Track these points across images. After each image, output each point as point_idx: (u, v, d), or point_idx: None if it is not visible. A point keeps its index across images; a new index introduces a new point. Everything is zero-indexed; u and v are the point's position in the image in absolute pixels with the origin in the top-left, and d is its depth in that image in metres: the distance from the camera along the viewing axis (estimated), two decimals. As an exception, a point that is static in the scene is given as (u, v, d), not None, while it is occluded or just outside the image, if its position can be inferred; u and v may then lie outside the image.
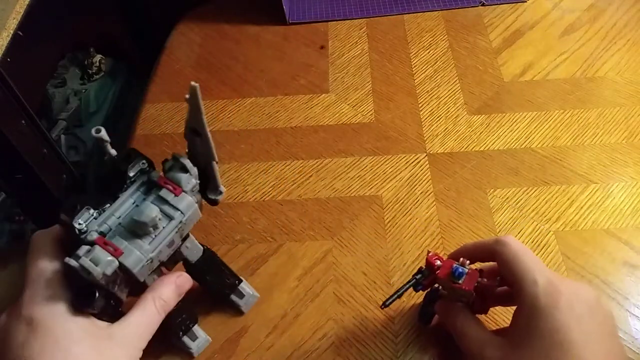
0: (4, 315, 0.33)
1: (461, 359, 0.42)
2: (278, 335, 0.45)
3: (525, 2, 0.74)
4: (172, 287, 0.37)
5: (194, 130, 0.34)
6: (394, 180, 0.55)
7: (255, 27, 0.75)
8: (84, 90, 0.88)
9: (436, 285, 0.41)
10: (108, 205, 0.34)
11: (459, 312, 0.39)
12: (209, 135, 0.34)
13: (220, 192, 0.38)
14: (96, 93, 0.89)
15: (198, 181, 0.36)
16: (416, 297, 0.46)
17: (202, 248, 0.42)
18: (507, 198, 0.52)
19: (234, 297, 0.45)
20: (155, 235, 0.34)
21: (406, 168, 0.56)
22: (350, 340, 0.44)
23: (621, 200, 0.51)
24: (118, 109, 0.92)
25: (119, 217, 0.34)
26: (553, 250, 0.48)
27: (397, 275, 0.48)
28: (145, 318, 0.35)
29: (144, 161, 0.36)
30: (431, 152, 0.57)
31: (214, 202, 0.38)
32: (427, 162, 0.56)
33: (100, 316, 0.34)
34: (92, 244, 0.32)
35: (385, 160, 0.57)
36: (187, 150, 0.36)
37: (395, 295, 0.40)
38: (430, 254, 0.39)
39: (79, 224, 0.33)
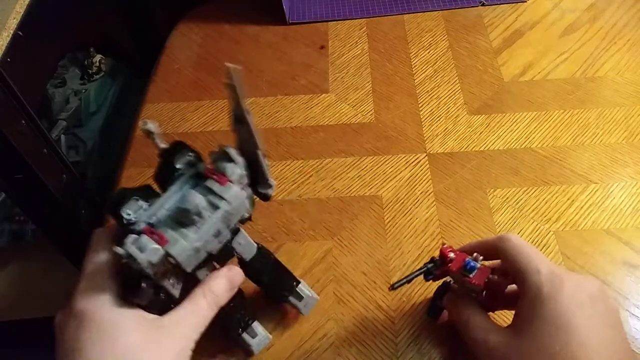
0: (59, 312, 0.34)
1: (461, 358, 0.42)
2: (278, 335, 0.45)
3: (525, 2, 0.74)
4: (223, 281, 0.36)
5: (238, 119, 0.33)
6: (394, 180, 0.55)
7: (255, 27, 0.75)
8: (84, 90, 0.88)
9: (447, 279, 0.41)
10: (157, 197, 0.34)
11: (467, 303, 0.39)
12: (251, 121, 0.33)
13: (270, 185, 0.37)
14: (96, 93, 0.89)
15: (245, 172, 0.35)
16: (416, 297, 0.46)
17: (255, 245, 0.41)
18: (507, 198, 0.52)
19: (292, 299, 0.44)
20: (201, 225, 0.33)
21: (406, 168, 0.56)
22: (350, 340, 0.44)
23: (621, 200, 0.51)
24: (118, 109, 0.92)
25: (167, 208, 0.34)
26: (553, 250, 0.48)
27: (397, 275, 0.48)
28: (194, 310, 0.35)
29: (190, 153, 0.36)
30: (431, 152, 0.57)
31: (266, 197, 0.38)
32: (427, 162, 0.56)
33: (150, 310, 0.34)
34: (139, 233, 0.32)
35: (385, 160, 0.57)
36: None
37: (405, 280, 0.40)
38: (444, 246, 0.39)
39: (127, 214, 0.33)
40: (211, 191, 0.34)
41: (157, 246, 0.32)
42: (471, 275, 0.37)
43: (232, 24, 0.76)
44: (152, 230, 0.33)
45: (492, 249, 0.38)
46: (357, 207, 0.53)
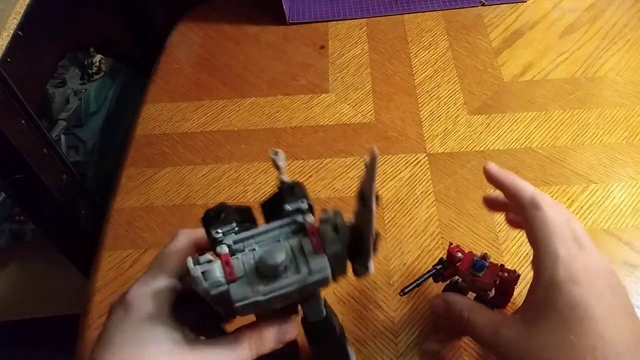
0: (119, 294, 0.33)
1: (461, 358, 0.42)
2: (278, 335, 0.45)
3: (525, 2, 0.74)
4: (274, 331, 0.34)
5: (363, 199, 0.31)
6: (394, 180, 0.55)
7: (255, 27, 0.75)
8: (84, 90, 0.88)
9: (456, 277, 0.41)
10: (255, 226, 0.32)
11: (460, 302, 0.37)
12: (374, 207, 0.30)
13: (366, 269, 0.33)
14: (96, 93, 0.89)
15: (344, 251, 0.32)
16: (417, 296, 0.46)
17: (324, 311, 0.37)
18: (507, 198, 0.52)
19: None
20: (275, 281, 0.31)
21: (406, 168, 0.56)
22: (350, 340, 0.44)
23: (621, 200, 0.51)
24: (118, 109, 0.92)
25: (257, 242, 0.32)
26: (553, 250, 0.48)
27: (397, 275, 0.48)
28: (235, 348, 0.33)
29: (304, 200, 0.33)
30: (431, 152, 0.57)
31: (357, 274, 0.34)
32: (427, 162, 0.56)
33: (196, 328, 0.33)
34: (217, 255, 0.31)
35: (385, 160, 0.57)
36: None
37: (415, 284, 0.40)
38: (452, 246, 0.39)
39: (217, 232, 0.31)
40: (302, 252, 0.31)
41: (222, 279, 0.30)
42: (481, 274, 0.37)
43: (232, 24, 0.76)
44: (228, 259, 0.30)
45: (521, 206, 0.36)
46: (357, 207, 0.53)
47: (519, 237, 0.49)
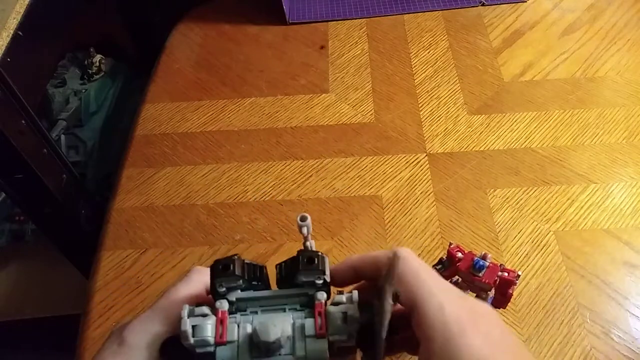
0: (120, 323, 0.32)
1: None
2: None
3: (525, 2, 0.74)
4: None
5: (379, 293, 0.28)
6: (394, 180, 0.55)
7: (255, 27, 0.75)
8: (84, 90, 0.88)
9: (456, 277, 0.41)
10: (262, 287, 0.31)
11: None
12: (388, 306, 0.28)
13: None
14: (96, 93, 0.89)
15: (349, 340, 0.30)
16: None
17: None
18: (507, 198, 0.52)
19: None
20: (266, 357, 0.29)
21: (406, 168, 0.56)
22: None
23: (621, 200, 0.51)
24: (118, 109, 0.92)
25: (262, 306, 0.30)
26: (553, 250, 0.48)
27: (397, 275, 0.48)
28: None
29: (320, 276, 0.31)
30: (431, 152, 0.57)
31: None
32: (427, 162, 0.56)
33: None
34: (213, 311, 0.29)
35: (385, 160, 0.57)
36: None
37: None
38: (451, 246, 0.39)
39: (221, 285, 0.29)
40: (303, 330, 0.30)
41: (210, 340, 0.28)
42: (481, 274, 0.37)
43: (232, 24, 0.76)
44: (223, 319, 0.29)
45: (380, 266, 0.31)
46: (357, 207, 0.53)
47: (519, 237, 0.49)
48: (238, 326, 0.29)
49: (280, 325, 0.29)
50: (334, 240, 0.51)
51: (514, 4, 0.74)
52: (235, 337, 0.29)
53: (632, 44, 0.66)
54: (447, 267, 0.40)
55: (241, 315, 0.30)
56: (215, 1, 0.80)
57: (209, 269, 0.31)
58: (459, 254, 0.38)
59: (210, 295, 0.32)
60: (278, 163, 0.58)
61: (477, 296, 0.40)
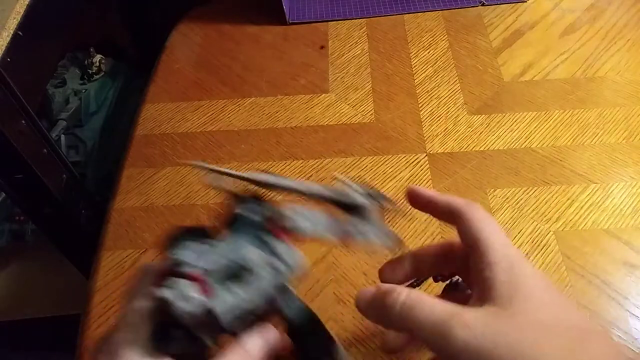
0: (95, 350, 0.31)
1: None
2: (278, 335, 0.45)
3: (525, 2, 0.74)
4: (259, 342, 0.32)
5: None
6: (394, 180, 0.55)
7: (255, 27, 0.75)
8: (84, 90, 0.88)
9: (456, 277, 0.41)
10: (215, 241, 0.32)
11: (395, 293, 0.29)
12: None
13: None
14: (96, 93, 0.89)
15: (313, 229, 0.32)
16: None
17: (302, 306, 0.36)
18: (507, 198, 0.52)
19: None
20: (255, 284, 0.30)
21: (406, 168, 0.56)
22: (350, 340, 0.44)
23: (621, 200, 0.51)
24: (118, 109, 0.92)
25: (222, 256, 0.31)
26: (553, 250, 0.48)
27: (397, 275, 0.48)
28: None
29: (260, 204, 0.33)
30: (431, 152, 0.57)
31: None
32: (427, 162, 0.56)
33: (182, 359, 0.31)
34: (185, 277, 0.29)
35: (385, 160, 0.57)
36: None
37: (414, 283, 0.40)
38: None
39: (178, 255, 0.30)
40: (274, 251, 0.31)
41: (200, 297, 0.28)
42: None
43: (232, 24, 0.76)
44: (198, 277, 0.29)
45: (454, 212, 0.32)
46: (357, 207, 0.53)
47: (519, 237, 0.49)
48: (212, 277, 0.30)
49: (250, 249, 0.30)
50: (334, 240, 0.51)
51: (514, 4, 0.74)
52: (216, 284, 0.29)
53: (632, 44, 0.66)
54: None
55: (209, 269, 0.30)
56: (215, 1, 0.80)
57: (151, 265, 0.32)
58: None
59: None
60: (278, 163, 0.58)
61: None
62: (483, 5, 0.74)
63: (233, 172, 0.33)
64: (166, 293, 0.28)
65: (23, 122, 0.58)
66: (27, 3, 0.59)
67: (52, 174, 0.63)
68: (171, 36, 0.76)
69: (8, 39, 0.56)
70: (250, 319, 0.31)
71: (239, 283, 0.30)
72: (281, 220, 0.32)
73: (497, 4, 0.74)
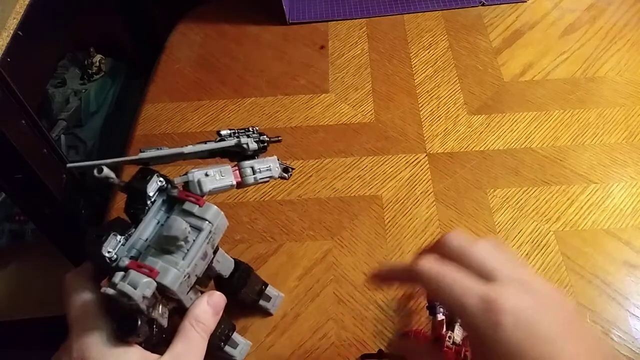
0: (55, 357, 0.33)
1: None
2: (278, 335, 0.45)
3: (525, 2, 0.74)
4: (207, 308, 0.36)
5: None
6: (394, 180, 0.55)
7: (255, 27, 0.75)
8: (84, 90, 0.88)
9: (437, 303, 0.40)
10: (133, 229, 0.33)
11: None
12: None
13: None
14: (96, 93, 0.89)
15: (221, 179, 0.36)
16: (417, 296, 0.46)
17: (233, 260, 0.41)
18: (507, 198, 0.52)
19: (262, 302, 0.45)
20: (188, 250, 0.33)
21: (406, 168, 0.56)
22: (350, 340, 0.44)
23: (621, 200, 0.51)
24: (118, 109, 0.92)
25: (147, 239, 0.33)
26: (553, 250, 0.48)
27: (397, 275, 0.48)
28: (190, 345, 0.34)
29: (160, 179, 0.35)
30: (431, 152, 0.57)
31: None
32: (427, 162, 0.56)
33: (145, 345, 0.33)
34: (125, 269, 0.31)
35: (385, 160, 0.57)
36: None
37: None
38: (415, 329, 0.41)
39: (108, 252, 0.32)
40: (191, 214, 0.33)
41: (148, 279, 0.30)
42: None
43: (232, 24, 0.76)
44: (138, 263, 0.31)
45: (410, 277, 0.32)
46: (357, 207, 0.53)
47: (519, 237, 0.49)
48: (149, 259, 0.32)
49: (174, 220, 0.32)
50: (334, 240, 0.51)
51: (514, 4, 0.74)
52: (159, 262, 0.32)
53: (632, 44, 0.66)
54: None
55: (142, 255, 0.32)
56: (215, 1, 0.80)
57: (77, 269, 0.34)
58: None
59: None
60: (278, 163, 0.58)
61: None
62: (483, 5, 0.74)
63: (124, 158, 0.35)
64: (123, 287, 0.30)
65: (23, 122, 0.58)
66: (27, 3, 0.59)
67: (52, 174, 0.63)
68: (171, 36, 0.76)
69: (8, 39, 0.56)
70: (195, 285, 0.35)
71: (174, 253, 0.32)
72: (185, 187, 0.35)
73: (497, 4, 0.74)
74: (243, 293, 0.43)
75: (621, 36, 0.68)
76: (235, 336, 0.42)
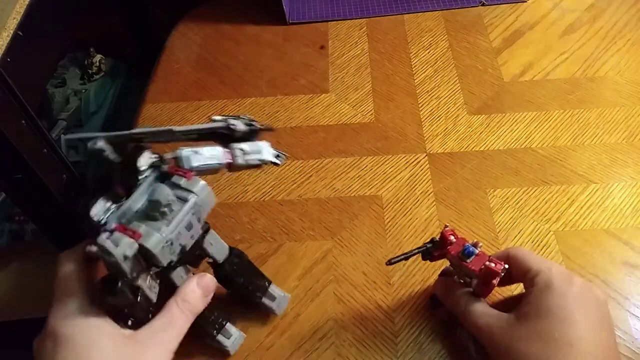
0: (37, 338, 0.34)
1: (461, 358, 0.42)
2: (278, 335, 0.45)
3: (525, 2, 0.74)
4: (195, 288, 0.37)
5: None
6: (394, 180, 0.55)
7: (255, 27, 0.75)
8: (84, 90, 0.88)
9: (448, 265, 0.42)
10: (124, 200, 0.35)
11: (460, 292, 0.40)
12: None
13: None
14: (96, 93, 0.89)
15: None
16: (417, 296, 0.46)
17: (227, 247, 0.41)
18: (507, 198, 0.52)
19: (265, 301, 0.44)
20: (172, 217, 0.34)
21: (406, 168, 0.56)
22: (350, 340, 0.44)
23: (621, 200, 0.51)
24: (118, 109, 0.92)
25: (136, 210, 0.35)
26: (553, 250, 0.48)
27: (397, 275, 0.48)
28: (170, 321, 0.34)
29: (152, 155, 0.37)
30: (431, 152, 0.57)
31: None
32: (427, 162, 0.56)
33: (130, 319, 0.33)
34: (112, 232, 0.33)
35: (385, 160, 0.57)
36: None
37: (402, 257, 0.41)
38: (446, 229, 0.40)
39: (97, 215, 0.34)
40: (178, 186, 0.35)
41: (131, 240, 0.32)
42: (469, 261, 0.38)
43: (232, 24, 0.76)
44: (124, 227, 0.33)
45: (502, 257, 0.40)
46: (357, 207, 0.53)
47: (519, 237, 0.49)
48: (136, 224, 0.34)
49: (161, 189, 0.34)
50: (334, 240, 0.51)
51: (514, 4, 0.74)
52: (143, 226, 0.33)
53: (632, 44, 0.66)
54: (438, 247, 0.40)
55: (130, 222, 0.34)
56: (215, 1, 0.80)
57: (73, 249, 0.38)
58: (452, 238, 0.39)
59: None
60: (278, 163, 0.58)
61: (462, 282, 0.41)
62: (483, 5, 0.74)
63: (117, 132, 0.36)
64: (104, 243, 0.32)
65: (23, 122, 0.57)
66: (27, 3, 0.59)
67: (52, 174, 0.63)
68: (171, 36, 0.76)
69: (8, 39, 0.56)
70: (184, 261, 0.36)
71: (160, 220, 0.34)
72: (176, 162, 0.37)
73: (497, 4, 0.74)
74: (241, 286, 0.43)
75: (621, 36, 0.68)
76: (229, 326, 0.42)
